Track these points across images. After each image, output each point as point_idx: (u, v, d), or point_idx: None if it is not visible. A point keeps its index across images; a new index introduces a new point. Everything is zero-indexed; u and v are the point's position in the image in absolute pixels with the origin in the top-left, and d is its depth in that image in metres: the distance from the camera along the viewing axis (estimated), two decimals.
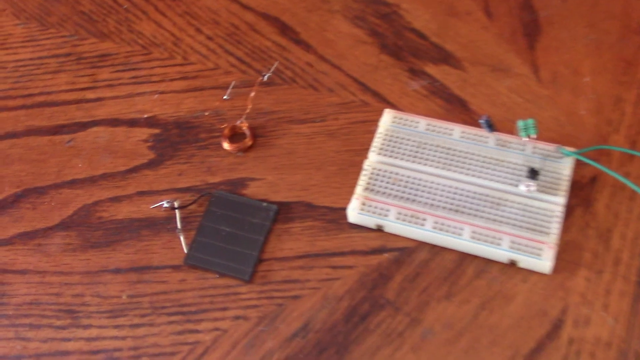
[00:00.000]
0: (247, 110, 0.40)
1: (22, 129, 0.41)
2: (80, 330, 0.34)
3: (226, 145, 0.39)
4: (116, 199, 0.38)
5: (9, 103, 0.42)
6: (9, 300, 0.36)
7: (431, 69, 0.40)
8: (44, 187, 0.39)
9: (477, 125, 0.37)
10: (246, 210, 0.37)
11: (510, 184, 0.35)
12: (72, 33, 0.45)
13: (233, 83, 0.41)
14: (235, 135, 0.39)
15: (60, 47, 0.44)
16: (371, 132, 0.38)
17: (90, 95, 0.42)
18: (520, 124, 0.35)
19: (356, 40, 0.42)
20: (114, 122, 0.41)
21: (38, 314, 0.35)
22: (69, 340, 0.34)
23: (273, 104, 0.40)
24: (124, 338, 0.34)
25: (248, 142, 0.39)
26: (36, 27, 0.45)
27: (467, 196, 0.35)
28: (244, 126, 0.39)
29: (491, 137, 0.36)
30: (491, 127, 0.35)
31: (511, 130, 0.36)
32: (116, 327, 0.34)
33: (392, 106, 0.39)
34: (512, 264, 0.34)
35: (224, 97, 0.40)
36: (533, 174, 0.35)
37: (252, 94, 0.40)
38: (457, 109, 0.39)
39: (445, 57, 0.41)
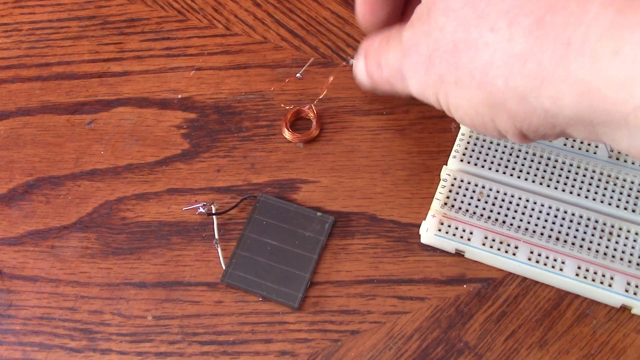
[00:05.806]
0: (321, 96, 0.33)
1: (36, 104, 0.35)
2: (98, 356, 0.29)
3: (287, 134, 0.32)
4: (143, 197, 0.32)
5: (22, 72, 0.36)
6: (17, 312, 0.30)
7: None
8: (59, 177, 0.33)
9: None
10: (297, 221, 0.30)
11: (628, 210, 0.28)
12: None
13: (311, 60, 0.34)
14: (297, 122, 0.33)
15: (83, 7, 0.38)
16: (450, 131, 0.32)
17: (115, 67, 0.36)
18: None
19: None
20: (142, 102, 0.35)
21: (50, 332, 0.30)
22: None
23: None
24: None
25: (314, 132, 0.32)
26: None
27: (572, 221, 0.28)
28: (312, 113, 0.33)
29: (603, 147, 0.29)
30: None
31: None
32: (139, 354, 0.29)
33: None
34: (624, 309, 0.27)
35: (297, 75, 0.33)
36: None
37: (331, 78, 0.33)
38: None
39: None
